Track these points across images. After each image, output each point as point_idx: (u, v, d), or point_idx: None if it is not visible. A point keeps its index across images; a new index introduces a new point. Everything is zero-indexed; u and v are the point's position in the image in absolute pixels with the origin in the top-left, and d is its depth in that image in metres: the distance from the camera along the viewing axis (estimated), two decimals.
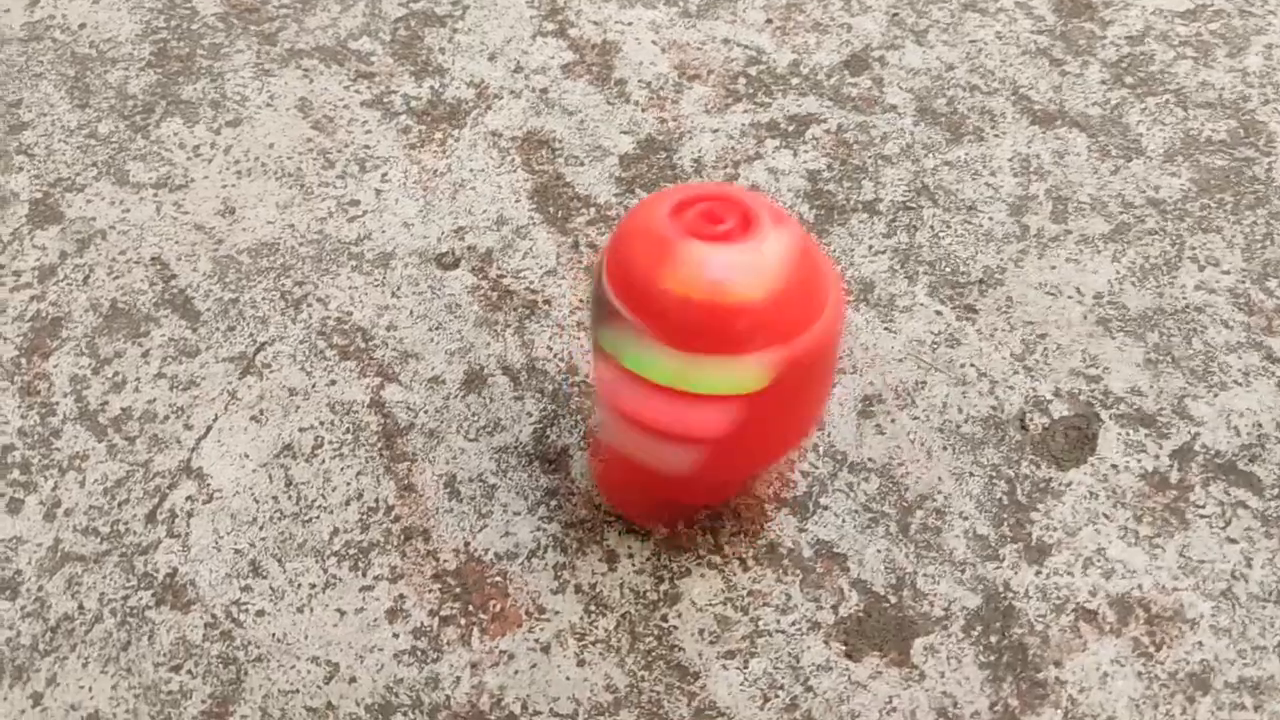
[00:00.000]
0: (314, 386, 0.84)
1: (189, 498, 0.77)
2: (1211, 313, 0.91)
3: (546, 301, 0.90)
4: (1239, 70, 1.12)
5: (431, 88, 1.07)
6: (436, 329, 0.87)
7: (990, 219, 0.98)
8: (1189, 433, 0.83)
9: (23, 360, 0.83)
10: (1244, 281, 0.94)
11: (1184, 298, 0.92)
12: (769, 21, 1.17)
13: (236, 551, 0.74)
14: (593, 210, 0.97)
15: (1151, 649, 0.73)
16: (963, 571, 0.75)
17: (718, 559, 0.75)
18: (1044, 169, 1.02)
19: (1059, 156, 1.03)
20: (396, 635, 0.71)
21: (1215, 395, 0.86)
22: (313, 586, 0.73)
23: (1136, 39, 1.15)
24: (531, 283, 0.91)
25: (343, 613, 0.72)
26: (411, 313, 0.89)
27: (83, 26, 1.11)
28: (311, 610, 0.72)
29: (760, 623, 0.73)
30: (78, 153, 0.99)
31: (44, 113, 1.02)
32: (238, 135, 1.02)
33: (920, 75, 1.11)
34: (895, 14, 1.18)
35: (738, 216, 0.62)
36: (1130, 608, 0.74)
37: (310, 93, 1.06)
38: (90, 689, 0.68)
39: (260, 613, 0.72)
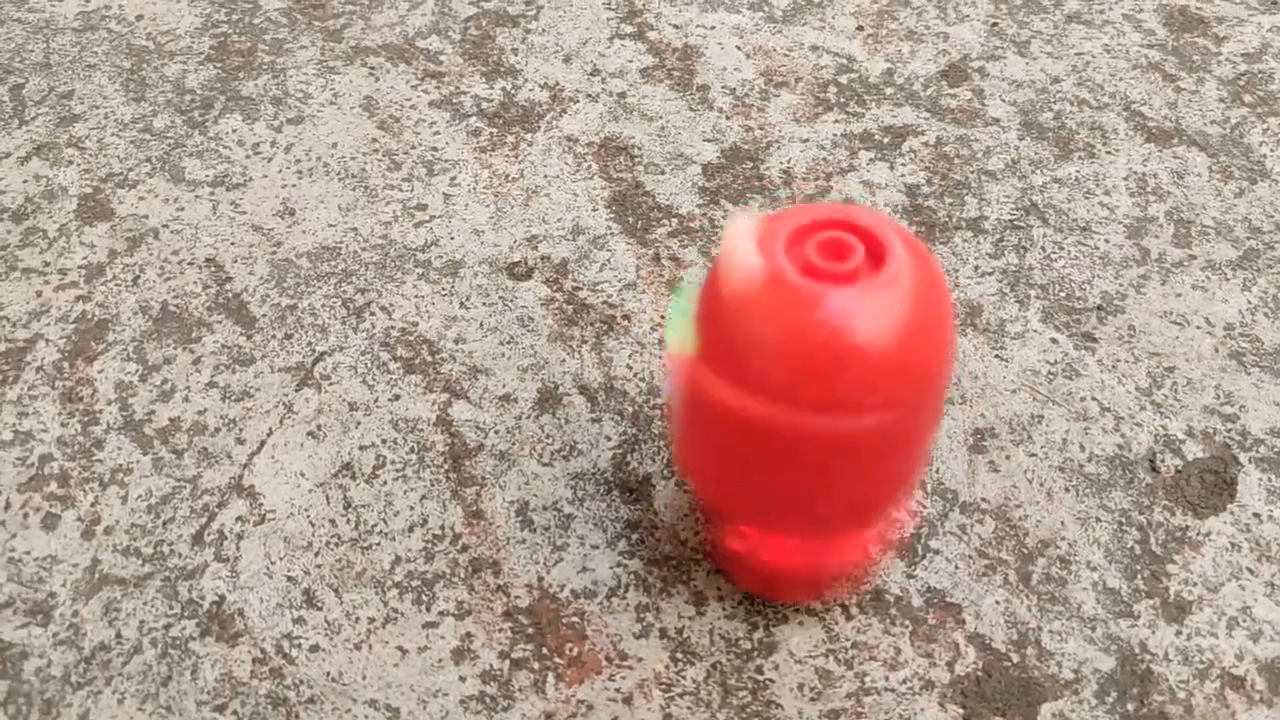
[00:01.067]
0: (376, 401, 0.77)
1: (239, 518, 0.70)
2: None
3: (625, 317, 0.83)
4: None
5: (503, 89, 1.01)
6: (508, 343, 0.81)
7: (1106, 241, 0.90)
8: None
9: (65, 364, 0.78)
10: None
11: None
12: (860, 29, 1.10)
13: (289, 579, 0.68)
14: (675, 221, 0.90)
15: None
16: (1093, 629, 0.67)
17: (818, 606, 0.68)
18: (1162, 189, 0.94)
19: (1178, 177, 0.95)
20: (463, 679, 0.64)
21: None
22: (372, 621, 0.66)
23: (1254, 56, 1.07)
24: (609, 296, 0.84)
25: (404, 651, 0.65)
26: (481, 325, 0.82)
27: (140, 18, 1.06)
28: (370, 647, 0.65)
29: (867, 679, 0.65)
30: (131, 147, 0.94)
31: (97, 105, 0.97)
32: (299, 134, 0.96)
33: (1024, 88, 1.04)
34: (995, 24, 1.11)
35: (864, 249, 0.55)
36: None
37: (376, 91, 1.00)
38: None
39: (314, 648, 0.65)
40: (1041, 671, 0.65)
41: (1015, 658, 0.66)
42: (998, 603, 0.68)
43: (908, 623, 0.67)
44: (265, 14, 1.07)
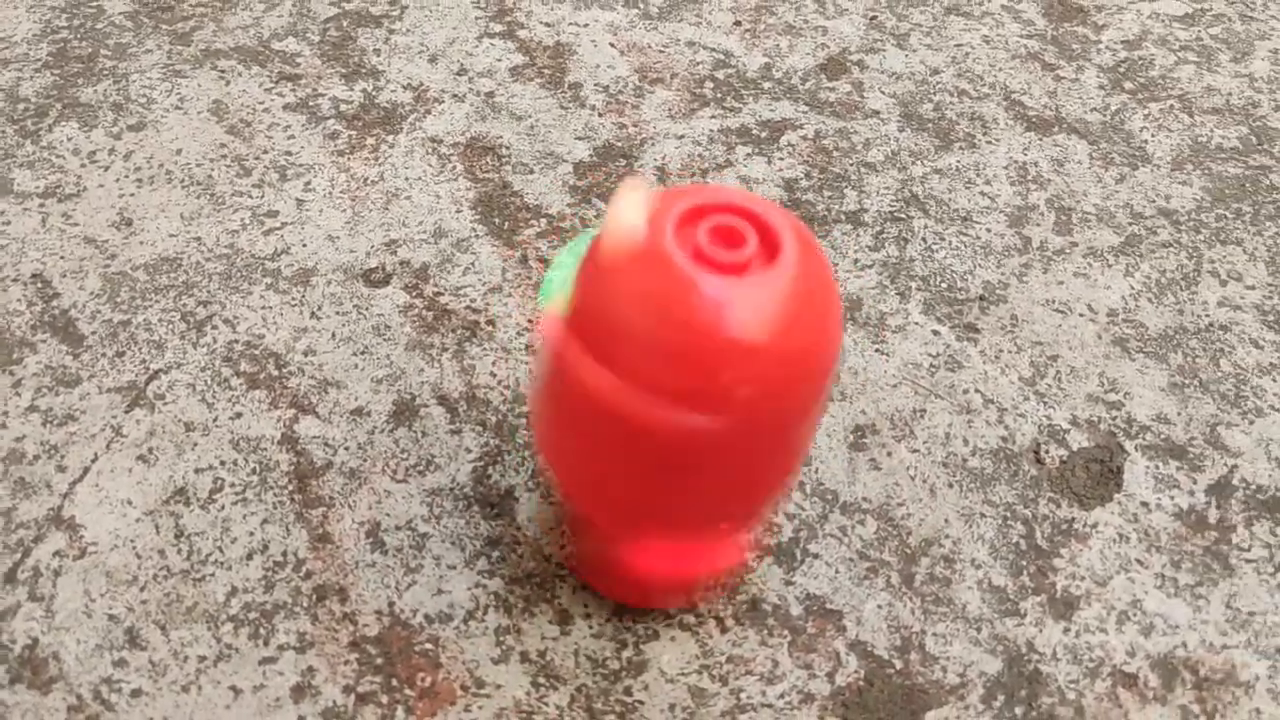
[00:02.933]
0: (215, 420, 0.71)
1: (57, 553, 0.64)
2: (1239, 331, 0.81)
3: (490, 322, 0.78)
4: (1245, 75, 1.04)
5: (364, 91, 0.96)
6: (362, 354, 0.76)
7: (988, 230, 0.88)
8: (1225, 465, 0.73)
9: None
10: (1271, 297, 0.84)
11: (1207, 315, 0.82)
12: (737, 24, 1.07)
13: (111, 617, 0.61)
14: (544, 221, 0.86)
15: (1203, 718, 0.61)
16: (979, 630, 0.64)
17: (690, 619, 0.64)
18: (1043, 177, 0.92)
19: (1058, 165, 0.94)
20: (303, 718, 0.58)
21: (1251, 423, 0.75)
22: (202, 659, 0.60)
23: (1134, 43, 1.07)
24: (473, 301, 0.80)
25: (238, 691, 0.59)
26: (334, 335, 0.77)
27: None
28: (200, 688, 0.59)
29: (743, 695, 0.61)
30: None
31: None
32: (140, 140, 0.90)
33: (904, 80, 1.01)
34: (874, 17, 1.08)
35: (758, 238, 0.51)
36: (1175, 670, 0.63)
37: (226, 95, 0.95)
38: None
39: (136, 692, 0.59)
40: (926, 678, 0.62)
41: (898, 664, 0.62)
42: (880, 607, 0.65)
43: (786, 632, 0.63)
44: (109, 18, 1.01)
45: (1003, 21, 1.08)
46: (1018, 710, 0.61)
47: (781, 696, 0.61)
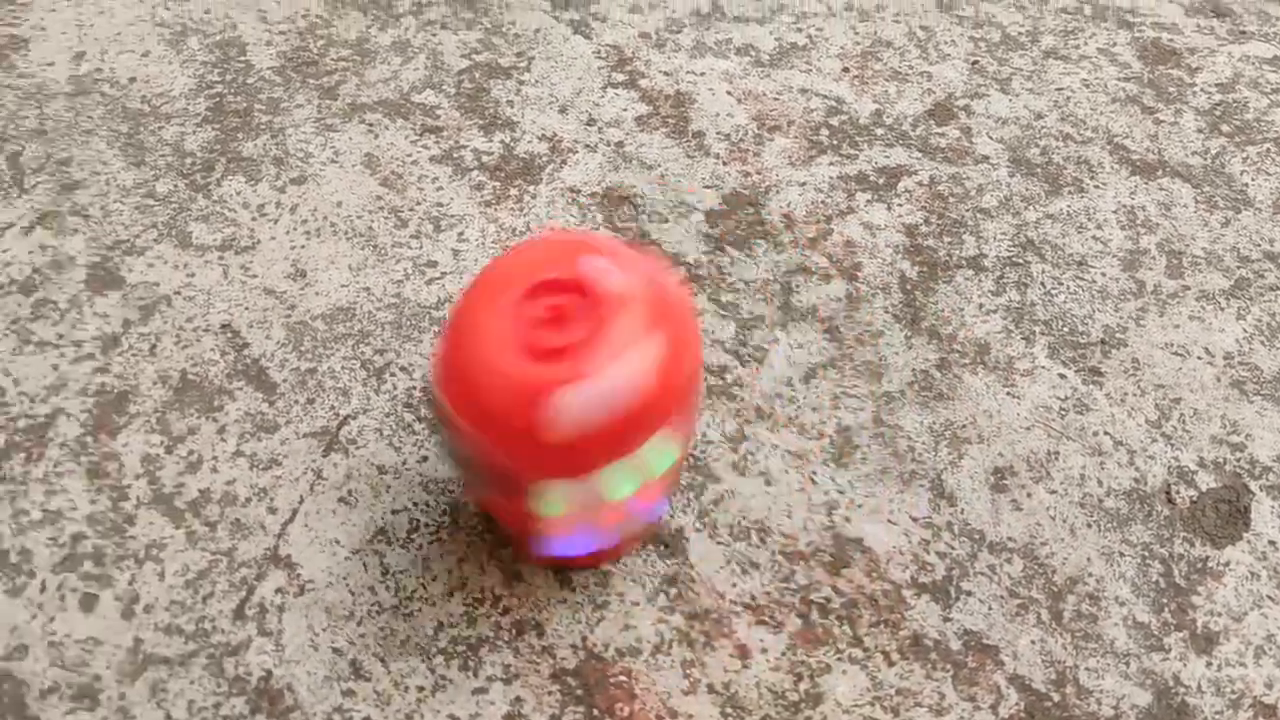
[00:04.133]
0: (404, 464, 0.77)
1: (279, 589, 0.70)
2: None
3: None
4: None
5: (503, 142, 1.02)
6: None
7: (1103, 274, 0.93)
8: None
9: (88, 439, 0.77)
10: None
11: None
12: (845, 70, 1.12)
13: (335, 650, 0.68)
14: (683, 269, 0.92)
15: None
16: (1127, 664, 0.69)
17: (859, 653, 0.69)
18: (1152, 221, 0.97)
19: (1165, 208, 0.98)
20: None
21: None
22: (420, 689, 0.66)
23: (1227, 86, 1.11)
24: None
25: (456, 719, 0.65)
26: None
27: (132, 80, 1.06)
28: (422, 716, 0.65)
29: None
30: (135, 213, 0.93)
31: (97, 171, 0.97)
32: (304, 194, 0.96)
33: (1009, 124, 1.06)
34: (974, 61, 1.13)
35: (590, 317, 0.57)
36: None
37: (376, 148, 1.01)
38: None
39: None
40: (1082, 709, 0.67)
41: (1056, 697, 0.68)
42: (1033, 642, 0.70)
43: (949, 666, 0.69)
44: (259, 73, 1.07)
45: (1100, 65, 1.13)
46: None
47: None
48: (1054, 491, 0.78)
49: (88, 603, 0.69)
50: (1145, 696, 0.68)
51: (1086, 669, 0.69)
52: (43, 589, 0.70)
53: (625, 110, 1.07)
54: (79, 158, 0.98)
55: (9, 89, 1.05)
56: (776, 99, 1.09)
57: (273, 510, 0.74)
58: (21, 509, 0.73)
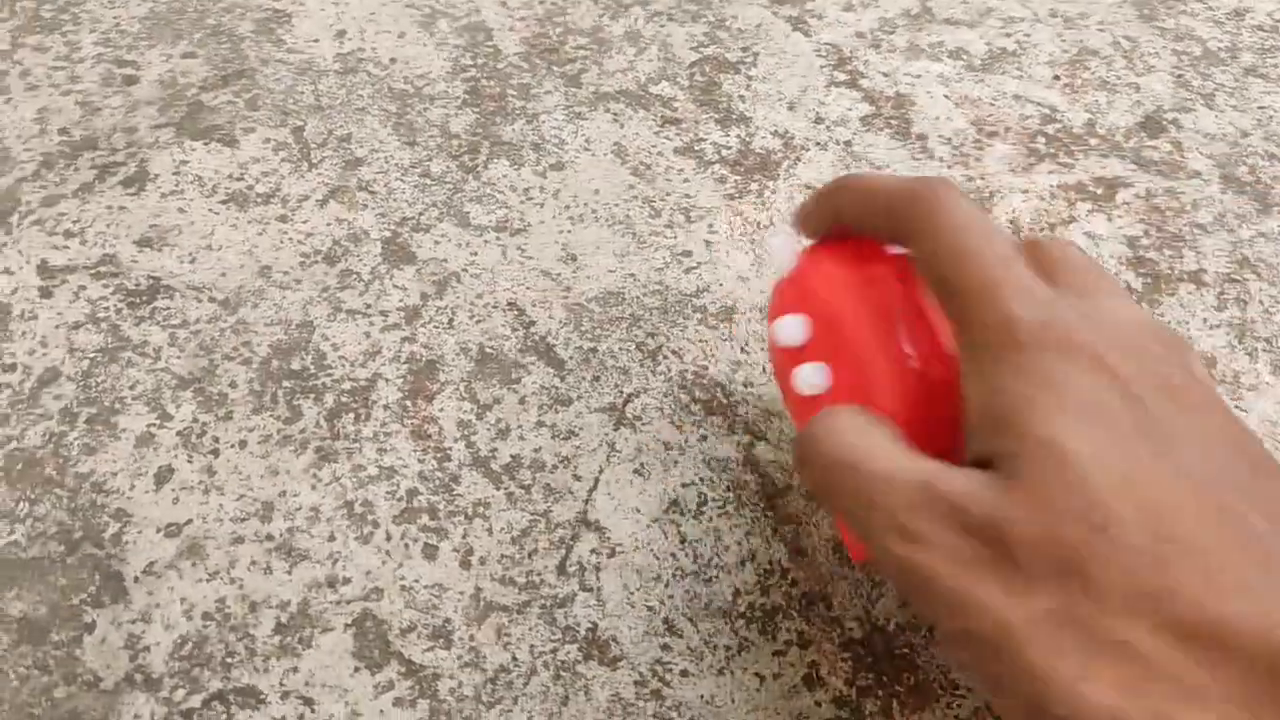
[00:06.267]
0: (687, 441, 0.85)
1: (593, 550, 0.79)
2: None
3: None
4: None
5: (739, 136, 1.09)
6: None
7: None
8: None
9: (408, 403, 0.86)
10: None
11: None
12: (1056, 78, 1.17)
13: (649, 608, 0.76)
14: None
15: None
16: None
17: None
18: None
19: None
20: (819, 704, 0.73)
21: None
22: (727, 649, 0.75)
23: None
24: None
25: (762, 677, 0.74)
26: (764, 369, 0.90)
27: (394, 61, 1.13)
28: (732, 673, 0.74)
29: None
30: (416, 192, 1.01)
31: (376, 149, 1.04)
32: (564, 180, 1.04)
33: (1217, 141, 1.12)
34: (1179, 75, 1.18)
35: None
36: None
37: (623, 138, 1.08)
38: None
39: (684, 673, 0.73)
40: None
41: None
42: None
43: None
44: (507, 58, 1.15)
45: None
46: None
47: None
48: None
49: (429, 552, 0.78)
50: None
51: None
52: (388, 538, 0.78)
53: (850, 110, 1.13)
54: (357, 135, 1.06)
55: (282, 63, 1.13)
56: (992, 104, 1.14)
57: (577, 478, 0.83)
58: (358, 464, 0.82)
